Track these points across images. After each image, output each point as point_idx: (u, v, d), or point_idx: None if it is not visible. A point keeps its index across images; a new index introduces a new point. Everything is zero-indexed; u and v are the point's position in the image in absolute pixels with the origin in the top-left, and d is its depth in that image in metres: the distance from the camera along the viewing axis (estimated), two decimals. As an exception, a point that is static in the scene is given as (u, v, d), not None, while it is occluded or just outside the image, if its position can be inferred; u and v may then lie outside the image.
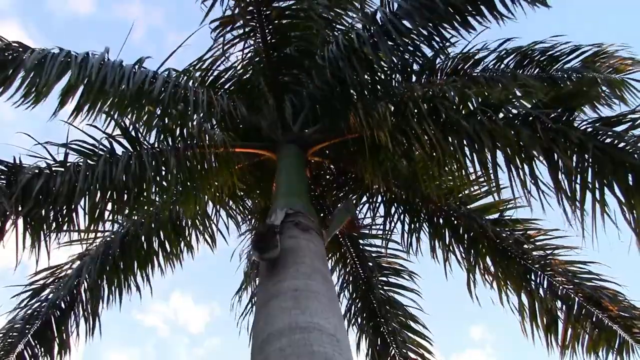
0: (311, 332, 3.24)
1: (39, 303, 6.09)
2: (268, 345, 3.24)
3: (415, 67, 5.69)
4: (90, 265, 5.92)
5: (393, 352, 6.67)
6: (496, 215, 5.93)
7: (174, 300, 15.33)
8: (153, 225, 6.06)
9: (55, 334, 6.08)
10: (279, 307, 3.52)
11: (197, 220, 6.22)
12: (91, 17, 15.12)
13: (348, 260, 6.71)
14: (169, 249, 6.25)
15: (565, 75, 5.55)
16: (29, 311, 6.04)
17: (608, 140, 4.00)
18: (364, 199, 6.50)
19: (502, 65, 5.60)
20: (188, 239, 6.29)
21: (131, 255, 6.12)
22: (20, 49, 4.73)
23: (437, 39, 5.36)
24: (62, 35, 15.14)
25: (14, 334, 5.98)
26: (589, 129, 4.09)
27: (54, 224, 4.60)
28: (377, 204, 6.39)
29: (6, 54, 4.67)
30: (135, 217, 5.97)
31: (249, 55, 5.94)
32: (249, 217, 6.73)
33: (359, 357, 6.76)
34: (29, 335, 6.00)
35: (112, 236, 6.11)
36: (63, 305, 6.06)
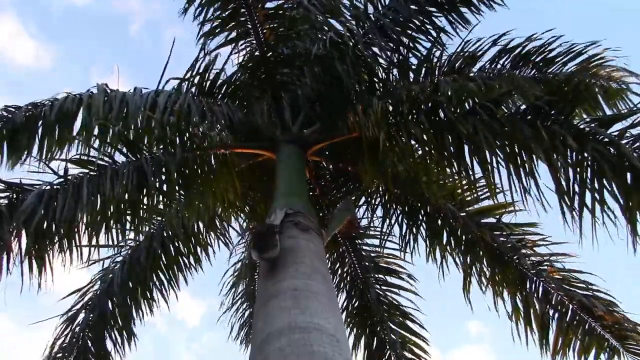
0: (311, 332, 3.25)
1: (75, 329, 6.03)
2: (267, 345, 3.25)
3: (412, 63, 5.71)
4: (114, 283, 5.92)
5: (388, 352, 6.68)
6: (494, 220, 5.95)
7: (171, 294, 15.21)
8: (166, 234, 6.06)
9: (94, 357, 6.04)
10: (278, 307, 3.52)
11: (208, 224, 6.22)
12: (89, 10, 15.12)
13: (346, 260, 6.72)
14: (185, 255, 6.24)
15: (562, 79, 5.54)
16: (66, 339, 5.98)
17: (607, 139, 4.01)
18: (363, 199, 6.52)
19: (499, 66, 5.59)
20: (204, 242, 6.29)
21: (152, 268, 6.11)
22: (30, 108, 4.73)
23: (432, 30, 5.42)
24: (59, 28, 15.11)
25: None
26: (587, 129, 4.11)
27: (57, 240, 4.56)
28: (376, 205, 6.41)
29: (19, 118, 4.66)
30: (149, 228, 5.96)
31: (246, 56, 5.95)
32: (250, 216, 6.73)
33: (354, 356, 6.78)
34: None
35: (130, 251, 6.11)
36: (97, 327, 6.01)
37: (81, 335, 5.98)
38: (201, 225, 6.19)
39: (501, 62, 5.56)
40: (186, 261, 6.26)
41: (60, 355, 5.92)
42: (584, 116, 5.25)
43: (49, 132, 4.61)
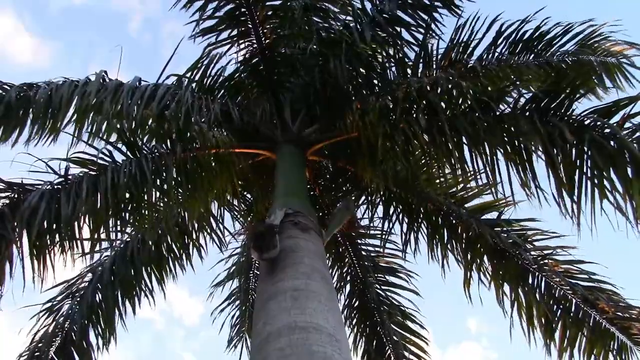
0: (310, 332, 3.26)
1: (59, 320, 6.02)
2: (267, 345, 3.26)
3: (410, 58, 5.69)
4: (102, 277, 5.92)
5: (389, 351, 6.69)
6: (494, 215, 5.95)
7: (168, 292, 15.25)
8: (160, 231, 6.02)
9: (76, 349, 6.00)
10: (278, 307, 3.53)
11: (203, 222, 6.19)
12: (87, 7, 15.14)
13: (346, 260, 6.73)
14: (178, 253, 6.22)
15: (561, 60, 5.43)
16: (49, 329, 5.97)
17: (606, 130, 3.99)
18: (363, 198, 6.52)
19: (497, 54, 5.53)
20: (196, 241, 6.26)
21: (142, 262, 6.09)
22: (25, 88, 4.73)
23: (428, 21, 5.41)
24: (58, 25, 15.14)
25: (38, 352, 5.88)
26: (586, 121, 4.10)
27: (58, 239, 4.57)
28: (376, 204, 6.41)
29: (14, 95, 4.66)
30: (143, 224, 5.95)
31: (246, 55, 5.96)
32: (250, 215, 6.75)
33: (354, 356, 6.79)
34: (52, 353, 5.90)
35: (122, 245, 6.10)
36: (81, 320, 5.97)
37: (65, 326, 5.97)
38: (197, 223, 6.17)
39: (499, 49, 5.52)
40: (178, 258, 6.24)
41: (41, 344, 5.89)
42: (588, 98, 5.20)
43: (41, 114, 4.60)
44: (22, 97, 4.75)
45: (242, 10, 5.57)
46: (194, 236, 6.23)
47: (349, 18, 5.88)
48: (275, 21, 5.74)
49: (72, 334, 5.93)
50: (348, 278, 6.78)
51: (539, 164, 4.35)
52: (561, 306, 5.71)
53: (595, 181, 4.03)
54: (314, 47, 5.66)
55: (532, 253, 5.82)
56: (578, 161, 4.11)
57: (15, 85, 4.78)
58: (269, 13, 5.66)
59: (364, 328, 6.76)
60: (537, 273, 5.78)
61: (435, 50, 5.55)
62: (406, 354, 6.63)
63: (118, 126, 5.00)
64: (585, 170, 4.11)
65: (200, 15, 5.65)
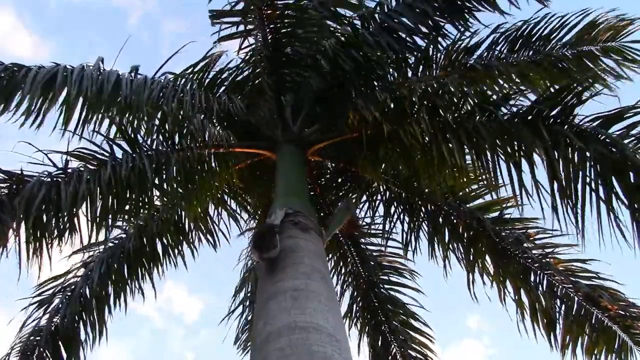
0: (310, 332, 3.26)
1: (48, 314, 5.96)
2: (267, 345, 3.26)
3: (411, 60, 5.69)
4: (95, 272, 5.88)
5: (394, 351, 6.68)
6: (496, 214, 5.93)
7: (167, 289, 15.27)
8: (155, 229, 6.00)
9: (65, 343, 5.95)
10: (278, 307, 3.53)
11: (199, 221, 6.18)
12: (86, 4, 15.15)
13: (349, 260, 6.71)
14: (171, 251, 6.19)
15: (561, 53, 5.46)
16: (39, 322, 5.92)
17: (609, 139, 3.99)
18: (364, 198, 6.51)
19: (496, 52, 5.54)
20: (191, 240, 6.24)
21: (136, 260, 6.06)
22: (15, 69, 4.64)
23: (433, 30, 5.41)
24: (57, 23, 15.13)
25: (26, 346, 5.85)
26: (590, 128, 4.09)
27: (56, 232, 4.55)
28: (377, 203, 6.41)
29: (3, 75, 4.59)
30: (139, 221, 5.91)
31: (249, 54, 5.95)
32: (249, 215, 6.74)
33: (360, 357, 6.78)
34: (39, 347, 5.85)
35: (116, 241, 6.07)
36: (71, 314, 5.93)
37: (55, 319, 5.91)
38: (193, 222, 6.15)
39: (498, 47, 5.53)
40: (173, 256, 6.22)
41: (30, 337, 5.85)
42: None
43: (34, 94, 4.50)
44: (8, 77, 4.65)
45: (251, 8, 5.54)
46: (191, 235, 6.22)
47: (354, 21, 5.88)
48: (283, 20, 5.73)
49: (62, 327, 5.88)
50: (351, 278, 6.76)
51: (540, 168, 4.36)
52: (563, 304, 5.71)
53: (600, 191, 4.02)
54: (318, 47, 5.65)
55: (534, 251, 5.81)
56: (580, 169, 4.10)
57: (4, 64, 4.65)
58: (278, 12, 5.65)
59: (368, 327, 6.74)
60: (539, 271, 5.77)
61: (436, 52, 5.55)
62: (411, 352, 6.62)
63: (117, 118, 4.98)
64: (587, 178, 4.10)
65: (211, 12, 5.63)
